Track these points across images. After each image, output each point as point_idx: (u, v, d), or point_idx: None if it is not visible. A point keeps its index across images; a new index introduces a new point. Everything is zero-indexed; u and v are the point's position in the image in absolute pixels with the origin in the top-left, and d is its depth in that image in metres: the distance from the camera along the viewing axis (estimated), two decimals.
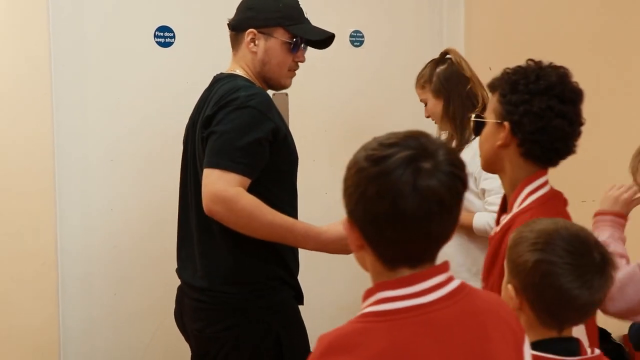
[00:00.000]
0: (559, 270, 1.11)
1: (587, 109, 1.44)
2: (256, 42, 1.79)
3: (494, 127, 1.46)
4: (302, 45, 1.83)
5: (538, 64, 1.45)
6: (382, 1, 2.81)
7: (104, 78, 2.33)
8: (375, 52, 2.78)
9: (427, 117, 2.24)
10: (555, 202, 1.48)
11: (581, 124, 1.44)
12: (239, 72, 1.82)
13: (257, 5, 1.81)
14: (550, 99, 1.39)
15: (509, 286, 1.17)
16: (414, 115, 2.41)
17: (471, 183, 2.05)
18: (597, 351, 1.20)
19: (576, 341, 1.18)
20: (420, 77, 2.21)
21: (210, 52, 2.37)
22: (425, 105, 2.20)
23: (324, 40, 1.85)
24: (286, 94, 2.34)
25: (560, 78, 1.43)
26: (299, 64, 1.84)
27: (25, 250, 2.20)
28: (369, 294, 0.95)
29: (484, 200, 2.11)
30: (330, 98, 2.65)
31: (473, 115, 1.59)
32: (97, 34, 2.33)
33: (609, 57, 3.06)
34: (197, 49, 2.44)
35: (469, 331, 0.95)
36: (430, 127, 2.23)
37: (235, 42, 1.83)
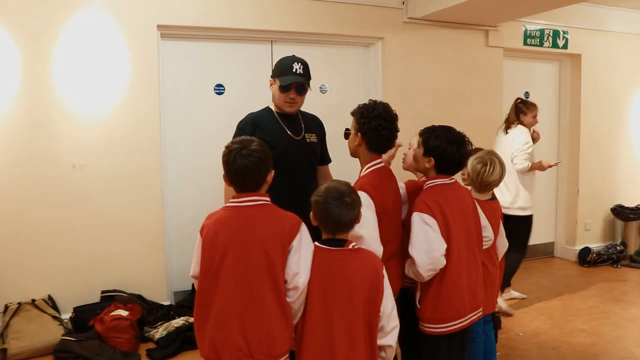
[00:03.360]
0: (327, 205, 1.95)
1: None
2: (271, 85, 2.77)
3: (354, 135, 2.41)
4: (291, 88, 2.67)
5: (374, 101, 2.39)
6: (339, 68, 4.77)
7: (188, 115, 4.28)
8: (332, 97, 4.69)
9: None
10: (380, 171, 2.37)
11: (397, 131, 2.39)
12: (270, 104, 2.80)
13: (275, 65, 2.79)
14: (380, 120, 2.33)
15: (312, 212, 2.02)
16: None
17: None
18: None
19: (343, 240, 2.00)
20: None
21: (246, 98, 4.27)
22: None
23: (297, 84, 2.68)
24: None
25: (385, 109, 2.36)
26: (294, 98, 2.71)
27: (143, 184, 4.08)
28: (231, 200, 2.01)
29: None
30: None
31: (345, 129, 2.49)
32: (184, 92, 4.25)
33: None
34: (239, 97, 4.38)
35: (248, 223, 1.94)
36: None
37: None
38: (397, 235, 2.40)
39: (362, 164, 2.40)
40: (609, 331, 3.95)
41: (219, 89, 4.38)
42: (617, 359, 3.52)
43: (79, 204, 3.91)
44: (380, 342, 1.99)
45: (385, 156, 2.54)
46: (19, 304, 3.69)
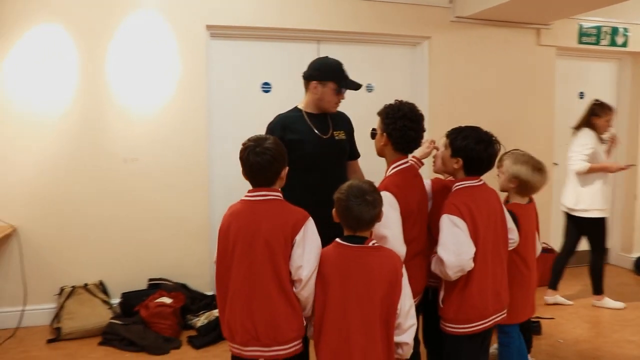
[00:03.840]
0: (348, 203, 1.98)
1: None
2: (317, 88, 2.74)
3: (380, 135, 2.44)
4: (342, 90, 2.76)
5: (400, 101, 2.41)
6: (385, 67, 4.79)
7: (235, 112, 4.41)
8: (379, 96, 4.70)
9: None
10: (405, 171, 2.38)
11: (423, 132, 2.42)
12: (300, 104, 2.79)
13: (321, 68, 2.77)
14: (405, 120, 2.36)
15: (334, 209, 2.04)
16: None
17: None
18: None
19: (364, 238, 2.02)
20: None
21: (292, 96, 4.24)
22: None
23: (355, 87, 2.80)
24: None
25: (410, 109, 2.39)
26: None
27: (190, 178, 4.26)
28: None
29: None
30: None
31: (371, 129, 2.49)
32: (232, 89, 4.38)
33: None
34: (285, 95, 4.46)
35: (256, 216, 2.04)
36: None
37: (306, 86, 2.81)
38: (422, 233, 2.41)
39: (388, 164, 2.43)
40: None
41: (266, 87, 4.50)
42: None
43: (129, 196, 4.12)
44: (397, 339, 2.02)
45: (418, 153, 2.54)
46: (73, 287, 3.95)
